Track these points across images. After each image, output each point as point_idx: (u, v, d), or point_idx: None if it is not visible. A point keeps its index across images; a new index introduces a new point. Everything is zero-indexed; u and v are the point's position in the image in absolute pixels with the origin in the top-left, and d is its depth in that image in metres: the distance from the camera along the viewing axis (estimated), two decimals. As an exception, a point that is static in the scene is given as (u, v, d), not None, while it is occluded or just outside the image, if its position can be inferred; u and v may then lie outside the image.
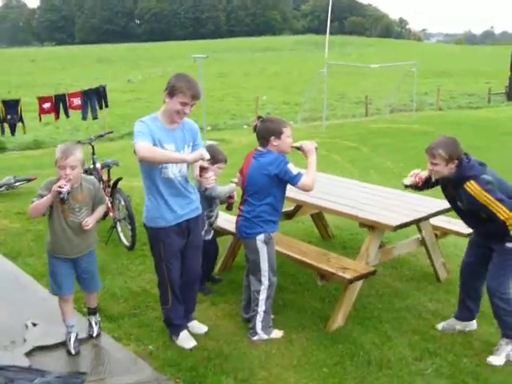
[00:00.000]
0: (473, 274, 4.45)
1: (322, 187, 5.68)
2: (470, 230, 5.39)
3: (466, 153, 4.12)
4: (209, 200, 5.12)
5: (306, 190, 4.20)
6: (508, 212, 3.87)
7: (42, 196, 3.97)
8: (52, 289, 4.31)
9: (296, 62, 60.70)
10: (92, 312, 4.52)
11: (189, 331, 4.52)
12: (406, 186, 4.54)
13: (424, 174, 4.41)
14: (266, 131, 4.27)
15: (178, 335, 4.41)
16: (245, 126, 22.38)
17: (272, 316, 4.63)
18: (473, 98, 33.71)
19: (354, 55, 63.42)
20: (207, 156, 3.92)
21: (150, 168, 4.00)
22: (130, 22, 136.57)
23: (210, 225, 5.31)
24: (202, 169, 3.98)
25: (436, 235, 5.56)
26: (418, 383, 3.95)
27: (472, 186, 3.94)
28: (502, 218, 3.88)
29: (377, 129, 20.71)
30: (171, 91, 3.91)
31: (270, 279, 4.42)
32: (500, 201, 3.88)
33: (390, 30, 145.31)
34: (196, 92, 3.93)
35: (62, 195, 3.83)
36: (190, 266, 4.38)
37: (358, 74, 43.48)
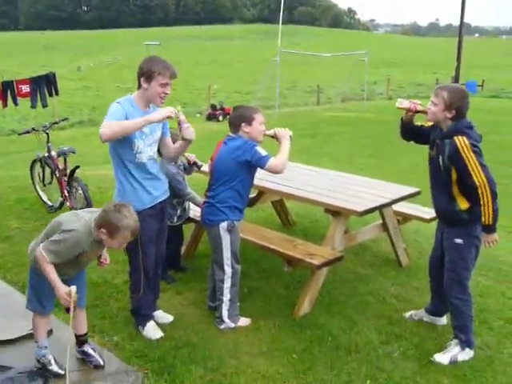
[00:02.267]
0: (438, 269, 4.34)
1: (285, 174, 5.66)
2: (431, 215, 5.50)
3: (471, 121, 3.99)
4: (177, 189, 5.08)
5: (275, 171, 4.12)
6: (484, 178, 3.76)
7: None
8: (32, 305, 3.72)
9: (247, 51, 60.75)
10: (84, 340, 3.90)
11: (154, 321, 4.45)
12: (399, 108, 4.27)
13: (421, 107, 4.18)
14: (237, 117, 4.24)
15: (144, 325, 4.32)
16: (197, 115, 22.22)
17: (238, 303, 4.60)
18: (421, 88, 34.39)
19: (303, 45, 63.77)
20: (173, 111, 3.79)
21: (123, 154, 3.92)
22: (76, 8, 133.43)
23: (184, 210, 5.27)
24: (179, 123, 3.95)
25: (398, 221, 5.63)
26: (387, 366, 3.99)
27: (462, 140, 3.81)
28: (476, 181, 3.76)
29: (329, 117, 20.94)
30: (149, 76, 3.85)
31: (233, 267, 4.37)
32: (481, 165, 3.79)
33: (339, 20, 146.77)
34: (174, 70, 3.91)
35: None
36: (158, 249, 4.31)
37: (309, 64, 43.79)
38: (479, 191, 3.78)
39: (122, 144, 3.87)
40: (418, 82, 37.81)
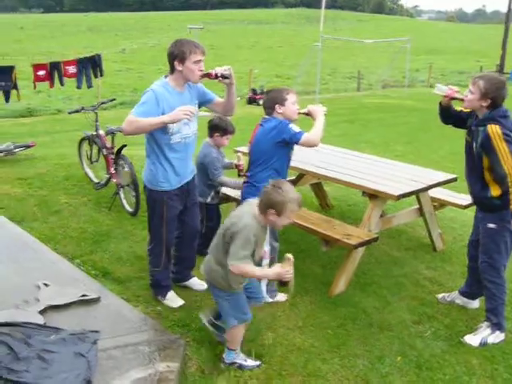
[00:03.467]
0: (476, 251, 4.42)
1: (325, 157, 5.82)
2: (467, 202, 5.59)
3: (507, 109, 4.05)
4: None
5: (309, 145, 4.23)
6: None
7: None
8: (237, 320, 3.70)
9: (288, 36, 60.51)
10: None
11: (190, 288, 4.82)
12: (436, 94, 4.35)
13: (459, 94, 4.24)
14: (270, 100, 4.39)
15: (165, 295, 4.60)
16: (238, 98, 22.28)
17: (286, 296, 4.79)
18: (463, 76, 33.80)
19: (345, 30, 63.15)
20: (188, 111, 3.92)
21: (158, 136, 4.13)
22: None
23: (217, 192, 5.45)
24: (211, 75, 4.14)
25: (434, 206, 5.72)
26: (418, 344, 4.14)
27: (494, 128, 3.90)
28: (505, 169, 3.86)
29: (369, 103, 20.85)
30: (182, 57, 4.04)
31: (270, 244, 4.52)
32: None
33: (382, 5, 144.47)
34: (203, 47, 4.14)
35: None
36: (190, 223, 4.59)
37: (351, 49, 43.43)
38: (508, 179, 3.88)
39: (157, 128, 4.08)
40: (461, 69, 37.18)
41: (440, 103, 4.44)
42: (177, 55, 4.06)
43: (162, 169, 4.23)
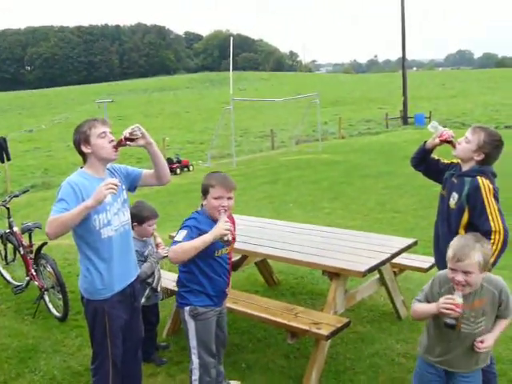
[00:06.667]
0: None
1: (271, 234, 5.37)
2: (428, 264, 5.28)
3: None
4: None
5: (171, 256, 3.49)
6: (501, 225, 3.56)
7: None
8: None
9: (194, 100, 60.91)
10: None
11: None
12: (431, 131, 3.97)
13: (452, 139, 3.87)
14: (202, 186, 3.68)
15: None
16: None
17: (239, 382, 4.19)
18: (371, 124, 34.89)
19: (250, 90, 64.46)
20: (110, 184, 3.28)
21: (85, 234, 3.52)
22: (20, 68, 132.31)
23: (153, 290, 4.78)
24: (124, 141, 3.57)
25: (394, 272, 5.35)
26: None
27: (485, 181, 3.63)
28: (492, 225, 3.55)
29: (287, 161, 20.81)
30: (84, 137, 3.56)
31: (200, 358, 3.76)
32: (500, 213, 3.61)
33: (281, 63, 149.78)
34: (102, 119, 3.68)
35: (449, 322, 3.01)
36: (133, 331, 3.90)
37: (259, 109, 44.03)
38: (493, 236, 3.56)
39: (81, 225, 3.43)
40: (367, 118, 38.37)
41: (425, 142, 4.08)
42: (80, 138, 3.58)
43: (98, 274, 3.57)
